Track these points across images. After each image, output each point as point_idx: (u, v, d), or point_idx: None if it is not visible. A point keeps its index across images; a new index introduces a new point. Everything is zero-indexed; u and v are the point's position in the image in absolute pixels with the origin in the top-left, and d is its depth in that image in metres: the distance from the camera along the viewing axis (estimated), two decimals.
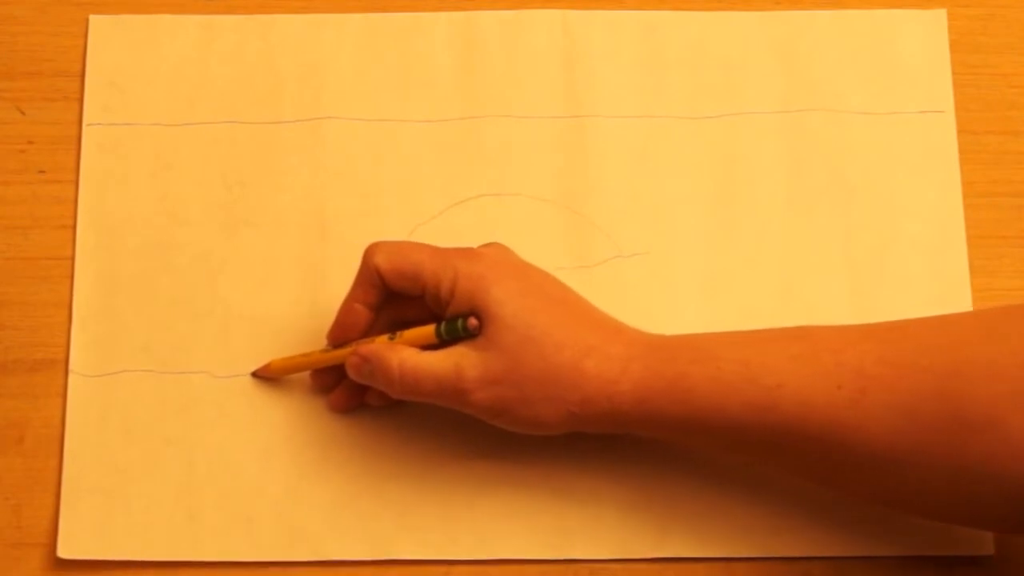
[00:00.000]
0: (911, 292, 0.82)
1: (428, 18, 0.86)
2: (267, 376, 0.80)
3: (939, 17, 0.86)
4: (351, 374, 0.76)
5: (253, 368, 0.80)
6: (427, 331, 0.75)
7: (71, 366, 0.81)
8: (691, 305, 0.81)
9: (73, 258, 0.82)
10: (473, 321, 0.73)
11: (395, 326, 0.77)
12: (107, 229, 0.83)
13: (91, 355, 0.81)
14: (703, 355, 0.72)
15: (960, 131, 0.84)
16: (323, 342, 0.80)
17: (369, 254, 0.76)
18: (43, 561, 0.78)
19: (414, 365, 0.74)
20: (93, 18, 0.86)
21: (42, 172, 0.84)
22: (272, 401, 0.80)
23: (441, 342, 0.74)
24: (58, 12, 0.86)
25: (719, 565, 0.78)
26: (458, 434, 0.79)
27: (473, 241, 0.82)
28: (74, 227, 0.83)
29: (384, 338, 0.76)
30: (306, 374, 0.80)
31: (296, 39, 0.86)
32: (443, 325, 0.74)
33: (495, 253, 0.76)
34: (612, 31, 0.86)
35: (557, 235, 0.83)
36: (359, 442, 0.80)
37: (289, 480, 0.79)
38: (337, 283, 0.82)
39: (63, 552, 0.78)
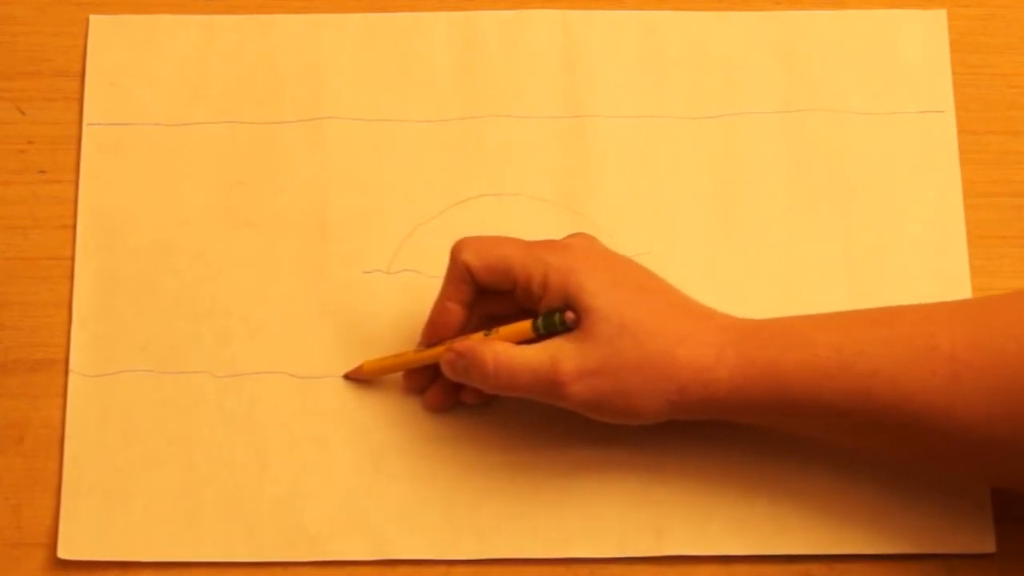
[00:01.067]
0: (911, 292, 0.82)
1: (428, 18, 0.86)
2: (359, 378, 0.80)
3: (939, 17, 0.86)
4: (446, 371, 0.76)
5: (253, 368, 0.80)
6: (523, 326, 0.74)
7: (71, 366, 0.80)
8: None
9: (73, 258, 0.82)
10: (570, 315, 0.73)
11: (485, 322, 0.77)
12: (107, 229, 0.83)
13: (91, 355, 0.81)
14: (796, 341, 0.72)
15: (960, 131, 0.84)
16: (323, 341, 0.81)
17: (456, 251, 0.76)
18: (43, 561, 0.78)
19: (509, 359, 0.73)
20: (93, 18, 0.86)
21: (42, 172, 0.84)
22: (271, 401, 0.80)
23: (537, 336, 0.74)
24: (58, 12, 0.86)
25: (719, 564, 0.78)
26: (457, 434, 0.80)
27: None
28: (74, 227, 0.83)
29: (479, 335, 0.76)
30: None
31: (296, 39, 0.86)
32: (540, 319, 0.74)
33: (583, 244, 0.76)
34: (612, 31, 0.86)
35: (557, 235, 0.82)
36: (358, 442, 0.79)
37: (289, 480, 0.79)
38: (337, 283, 0.82)
39: (63, 552, 0.78)
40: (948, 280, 0.82)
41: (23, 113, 0.85)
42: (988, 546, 0.77)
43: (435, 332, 0.78)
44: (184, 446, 0.79)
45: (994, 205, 0.84)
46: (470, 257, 0.75)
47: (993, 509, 0.78)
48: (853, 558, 0.78)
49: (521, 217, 0.83)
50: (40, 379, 0.81)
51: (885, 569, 0.77)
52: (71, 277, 0.82)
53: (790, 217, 0.83)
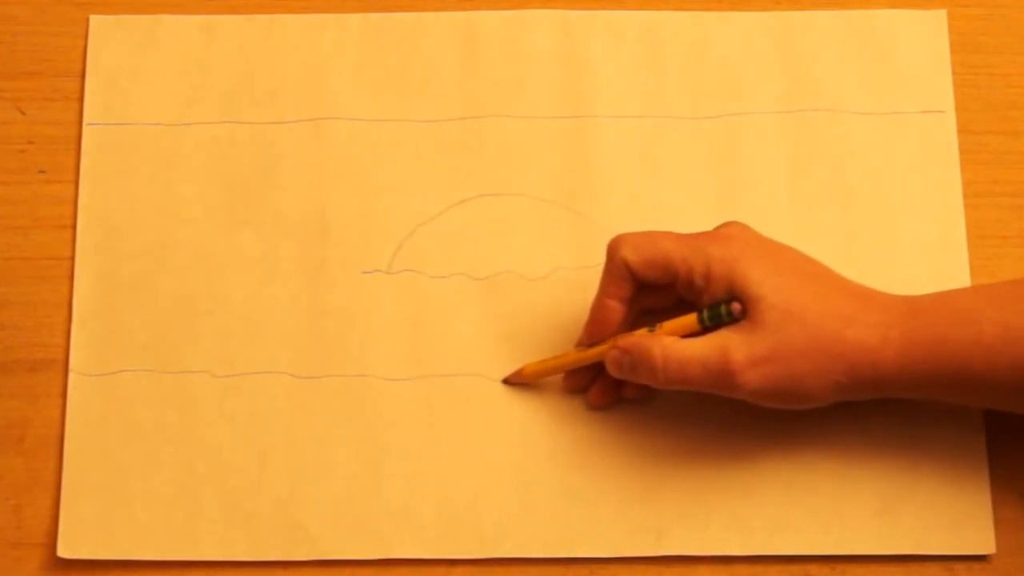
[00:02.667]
0: (911, 292, 0.81)
1: (428, 18, 0.86)
2: (519, 382, 0.80)
3: (939, 17, 0.86)
4: (611, 369, 0.76)
5: (253, 368, 0.80)
6: (688, 320, 0.75)
7: (71, 366, 0.81)
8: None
9: (73, 258, 0.82)
10: (737, 306, 0.73)
11: (642, 317, 0.77)
12: (107, 229, 0.83)
13: (91, 355, 0.81)
14: (961, 318, 0.73)
15: (960, 131, 0.84)
16: (323, 341, 0.81)
17: (614, 248, 0.76)
18: (43, 561, 0.78)
19: (678, 353, 0.74)
20: (93, 18, 0.86)
21: (42, 172, 0.84)
22: (271, 401, 0.80)
23: (703, 328, 0.74)
24: (58, 12, 0.86)
25: (719, 564, 0.78)
26: (456, 434, 0.80)
27: (474, 241, 0.82)
28: (74, 227, 0.83)
29: (643, 331, 0.76)
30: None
31: (296, 39, 0.86)
32: (705, 312, 0.74)
33: (741, 233, 0.76)
34: (612, 31, 0.86)
35: (557, 235, 0.83)
36: (358, 441, 0.79)
37: (289, 480, 0.79)
38: (337, 283, 0.82)
39: (63, 552, 0.78)
40: (948, 280, 0.82)
41: (23, 113, 0.85)
42: (988, 547, 0.77)
43: (596, 330, 0.77)
44: (184, 446, 0.80)
45: (994, 205, 0.84)
46: (629, 253, 0.75)
47: (993, 509, 0.78)
48: (852, 558, 0.78)
49: (521, 217, 0.83)
50: (40, 379, 0.81)
51: (885, 569, 0.78)
52: (71, 277, 0.82)
53: (791, 217, 0.83)
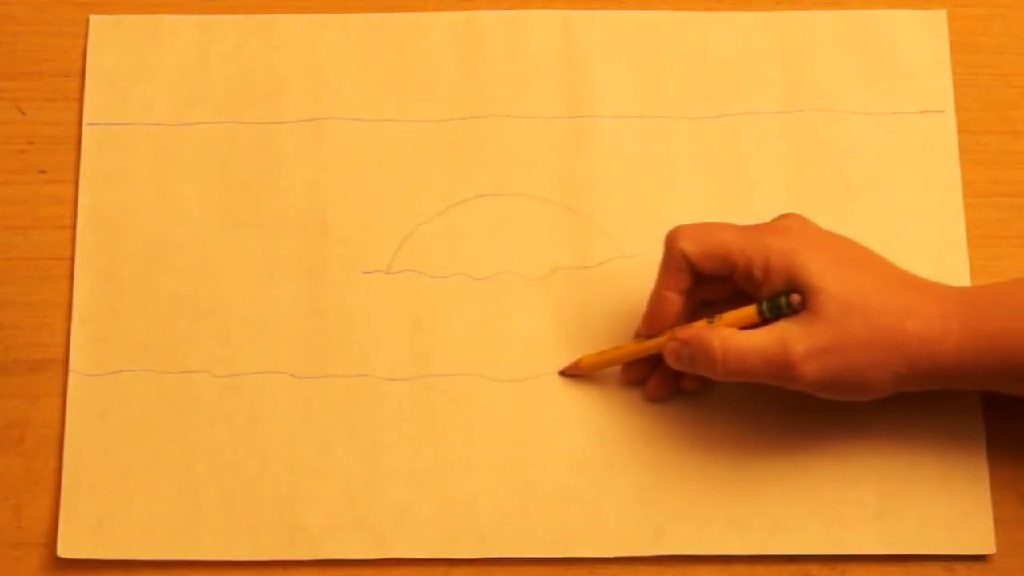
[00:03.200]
0: None
1: (428, 18, 0.86)
2: (576, 374, 0.80)
3: (939, 17, 0.86)
4: (670, 361, 0.76)
5: (253, 368, 0.80)
6: (748, 312, 0.75)
7: (71, 365, 0.81)
8: None
9: (73, 258, 0.82)
10: (796, 297, 0.73)
11: (698, 308, 0.77)
12: (107, 229, 0.83)
13: (91, 355, 0.81)
14: (1018, 310, 0.73)
15: (960, 131, 0.84)
16: (323, 341, 0.81)
17: (672, 239, 0.76)
18: (43, 561, 0.78)
19: (737, 345, 0.74)
20: (93, 18, 0.86)
21: (42, 172, 0.84)
22: (271, 401, 0.80)
23: (762, 320, 0.74)
24: (58, 12, 0.86)
25: (719, 563, 0.78)
26: (456, 434, 0.80)
27: (474, 241, 0.82)
28: (74, 227, 0.83)
29: (702, 323, 0.76)
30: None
31: (296, 39, 0.86)
32: (765, 303, 0.74)
33: (799, 225, 0.76)
34: (612, 31, 0.86)
35: (557, 235, 0.83)
36: (358, 441, 0.79)
37: (289, 480, 0.79)
38: (337, 283, 0.82)
39: (63, 552, 0.78)
40: (948, 280, 0.81)
41: (23, 113, 0.85)
42: (988, 547, 0.77)
43: (654, 322, 0.77)
44: (184, 446, 0.80)
45: (994, 205, 0.84)
46: (687, 245, 0.75)
47: (993, 509, 0.78)
48: (852, 558, 0.78)
49: (521, 217, 0.83)
50: (40, 379, 0.81)
51: (885, 569, 0.77)
52: (71, 277, 0.82)
53: None
